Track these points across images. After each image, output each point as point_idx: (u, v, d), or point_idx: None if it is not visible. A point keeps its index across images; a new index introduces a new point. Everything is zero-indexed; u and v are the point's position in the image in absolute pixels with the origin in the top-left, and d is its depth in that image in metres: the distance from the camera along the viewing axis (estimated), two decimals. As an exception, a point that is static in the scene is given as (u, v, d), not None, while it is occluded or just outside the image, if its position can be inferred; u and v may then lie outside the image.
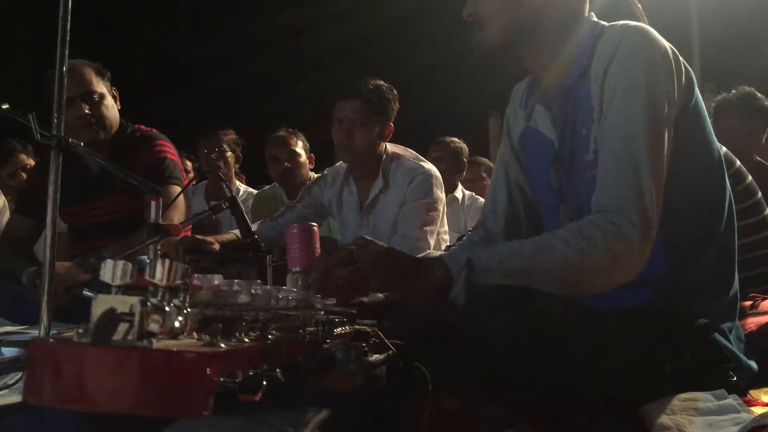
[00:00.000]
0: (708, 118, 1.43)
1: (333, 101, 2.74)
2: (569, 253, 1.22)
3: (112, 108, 2.75)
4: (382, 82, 2.74)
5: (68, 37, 1.53)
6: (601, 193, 1.29)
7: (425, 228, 2.66)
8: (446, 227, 2.93)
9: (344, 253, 1.21)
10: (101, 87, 2.72)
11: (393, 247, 1.32)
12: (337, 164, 2.97)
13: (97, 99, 2.67)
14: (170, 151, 2.79)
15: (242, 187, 4.53)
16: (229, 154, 4.15)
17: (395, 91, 2.78)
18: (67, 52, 1.53)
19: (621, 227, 1.22)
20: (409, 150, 2.89)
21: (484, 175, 4.98)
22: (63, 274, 2.29)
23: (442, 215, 2.82)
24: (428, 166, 2.79)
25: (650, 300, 1.35)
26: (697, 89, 1.39)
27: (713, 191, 1.41)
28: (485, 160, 5.29)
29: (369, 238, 1.30)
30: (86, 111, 2.61)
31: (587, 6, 1.48)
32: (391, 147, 2.83)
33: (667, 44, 1.34)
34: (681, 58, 1.36)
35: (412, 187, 2.70)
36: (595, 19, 1.46)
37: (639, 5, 1.64)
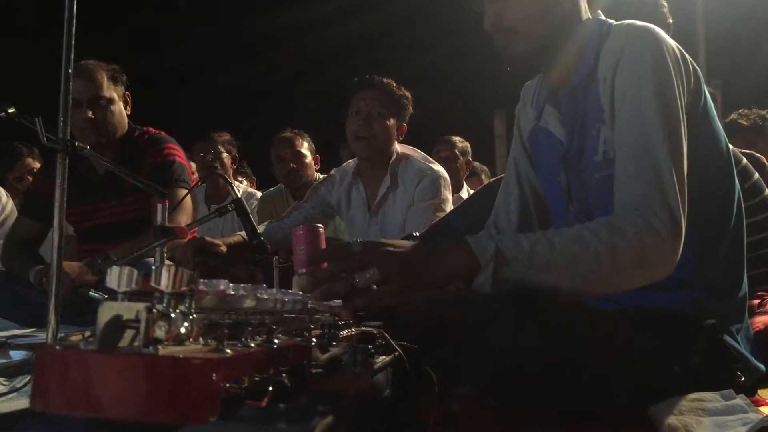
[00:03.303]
0: (716, 117, 1.42)
1: (352, 92, 2.76)
2: (600, 247, 1.18)
3: (119, 114, 2.75)
4: (392, 79, 2.79)
5: (73, 41, 1.53)
6: (624, 193, 1.26)
7: (432, 228, 2.67)
8: (453, 227, 2.94)
9: (354, 258, 1.14)
10: (111, 92, 2.72)
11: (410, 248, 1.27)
12: (345, 164, 2.99)
13: (104, 104, 2.68)
14: (178, 154, 2.80)
15: (242, 187, 4.55)
16: (225, 155, 4.17)
17: (404, 90, 2.81)
18: (72, 56, 1.54)
19: (651, 222, 1.19)
20: (418, 151, 2.92)
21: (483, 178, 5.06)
22: (71, 274, 2.30)
23: (449, 215, 2.84)
24: (437, 167, 2.82)
25: (659, 301, 1.34)
26: (705, 88, 1.39)
27: (722, 190, 1.40)
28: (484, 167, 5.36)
29: (380, 243, 1.24)
30: (89, 115, 2.62)
31: (585, 3, 1.47)
32: (400, 147, 2.85)
33: (673, 43, 1.33)
34: (688, 57, 1.35)
35: (420, 188, 2.72)
36: (602, 17, 1.45)
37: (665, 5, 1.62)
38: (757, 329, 1.49)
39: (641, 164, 1.25)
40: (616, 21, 1.43)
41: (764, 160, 2.71)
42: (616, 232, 1.19)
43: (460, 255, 1.19)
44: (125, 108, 2.81)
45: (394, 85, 2.77)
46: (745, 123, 3.73)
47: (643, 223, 1.19)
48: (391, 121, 2.74)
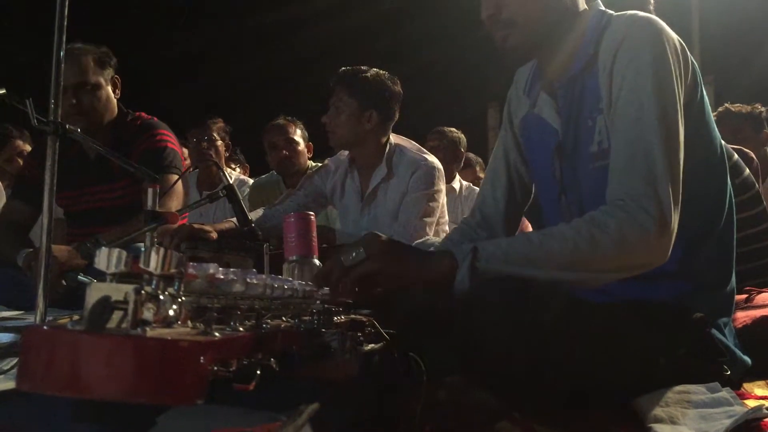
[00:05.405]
0: (711, 112, 1.42)
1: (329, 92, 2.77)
2: (579, 240, 1.19)
3: (106, 99, 2.72)
4: (376, 72, 2.75)
5: (65, 23, 1.52)
6: (614, 184, 1.26)
7: (425, 219, 2.69)
8: (447, 218, 2.96)
9: (359, 254, 1.18)
10: (97, 77, 2.69)
11: (397, 240, 1.32)
12: (338, 154, 2.98)
13: (89, 89, 2.65)
14: (171, 140, 2.79)
15: (234, 174, 4.53)
16: (219, 142, 4.15)
17: (390, 82, 2.76)
18: (64, 38, 1.52)
19: (635, 215, 1.19)
20: (413, 142, 2.91)
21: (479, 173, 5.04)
22: (59, 258, 2.29)
23: (442, 206, 2.84)
24: (431, 158, 2.82)
25: (648, 293, 1.35)
26: (702, 84, 1.38)
27: (715, 185, 1.40)
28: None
29: (374, 232, 1.28)
30: (73, 101, 2.59)
31: None
32: (394, 138, 2.84)
33: (675, 37, 1.33)
34: (688, 53, 1.35)
35: (414, 178, 2.72)
36: (602, 7, 1.44)
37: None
38: (744, 324, 1.50)
39: (634, 153, 1.24)
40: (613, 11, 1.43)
41: (752, 154, 2.73)
42: (597, 225, 1.21)
43: (441, 257, 1.22)
44: (114, 92, 2.78)
45: (361, 78, 2.71)
46: (733, 110, 3.83)
47: (625, 215, 1.20)
48: (360, 116, 2.70)
